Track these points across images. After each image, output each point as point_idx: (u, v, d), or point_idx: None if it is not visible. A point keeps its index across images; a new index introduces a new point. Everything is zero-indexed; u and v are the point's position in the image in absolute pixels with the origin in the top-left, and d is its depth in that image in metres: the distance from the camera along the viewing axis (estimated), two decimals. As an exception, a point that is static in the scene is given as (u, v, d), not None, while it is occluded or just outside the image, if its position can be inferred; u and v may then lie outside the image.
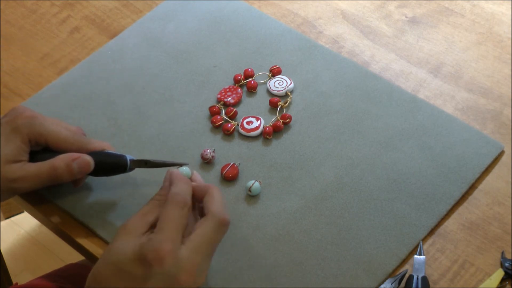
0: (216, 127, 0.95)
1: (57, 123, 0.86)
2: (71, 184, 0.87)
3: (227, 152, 0.92)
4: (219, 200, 0.77)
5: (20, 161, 0.83)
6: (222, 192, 0.79)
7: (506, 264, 0.82)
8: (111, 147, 0.86)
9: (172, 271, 0.71)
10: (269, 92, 0.99)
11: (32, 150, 0.85)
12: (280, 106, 0.96)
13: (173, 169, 0.81)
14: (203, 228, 0.74)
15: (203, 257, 0.73)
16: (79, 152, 0.84)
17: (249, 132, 0.94)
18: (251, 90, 0.99)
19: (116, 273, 0.72)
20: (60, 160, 0.82)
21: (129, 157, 0.85)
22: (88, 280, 0.74)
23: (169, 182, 0.79)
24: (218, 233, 0.75)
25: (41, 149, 0.85)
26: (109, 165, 0.85)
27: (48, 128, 0.84)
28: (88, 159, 0.83)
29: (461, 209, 0.88)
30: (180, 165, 0.84)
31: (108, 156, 0.85)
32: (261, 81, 1.00)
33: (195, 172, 0.85)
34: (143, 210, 0.76)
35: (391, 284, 0.81)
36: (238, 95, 0.97)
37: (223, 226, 0.75)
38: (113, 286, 0.72)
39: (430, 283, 0.82)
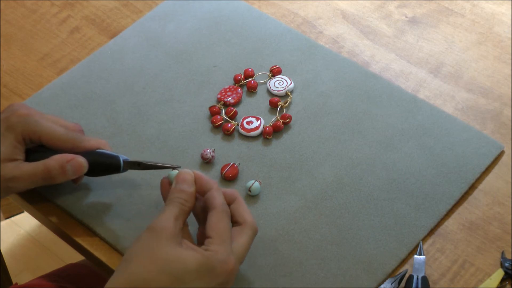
0: (216, 127, 0.95)
1: (53, 120, 0.86)
2: (70, 184, 0.87)
3: (227, 152, 0.92)
4: (247, 208, 0.80)
5: (15, 160, 0.83)
6: None
7: (506, 264, 0.82)
8: (107, 144, 0.86)
9: (232, 279, 0.75)
10: (269, 92, 0.99)
11: (28, 148, 0.85)
12: (280, 106, 0.96)
13: (192, 171, 0.80)
14: (244, 238, 0.77)
15: (240, 265, 0.77)
16: (73, 150, 0.84)
17: (249, 132, 0.94)
18: (251, 90, 0.99)
19: (175, 283, 0.72)
20: (54, 161, 0.82)
21: (122, 157, 0.85)
22: (129, 284, 0.72)
23: (198, 186, 0.79)
24: (252, 241, 0.78)
25: (37, 146, 0.85)
26: (103, 165, 0.85)
27: (42, 126, 0.84)
28: (82, 161, 0.83)
29: (461, 209, 0.88)
30: (173, 167, 0.83)
31: (102, 156, 0.85)
32: (261, 81, 1.00)
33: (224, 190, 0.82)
34: (173, 212, 0.76)
35: (391, 284, 0.81)
36: (238, 95, 0.97)
37: (255, 235, 0.79)
38: None
39: (430, 283, 0.81)
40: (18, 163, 0.83)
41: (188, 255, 0.73)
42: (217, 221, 0.76)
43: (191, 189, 0.78)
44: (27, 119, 0.84)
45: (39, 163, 0.82)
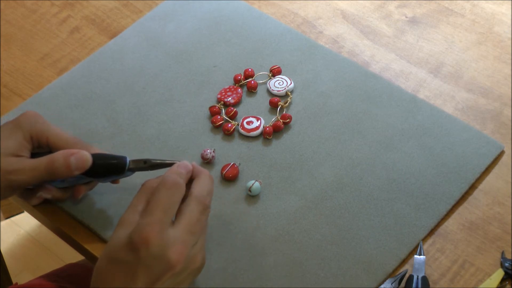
0: (216, 127, 0.95)
1: (60, 130, 0.86)
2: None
3: (227, 152, 0.92)
4: (205, 185, 0.77)
5: (20, 156, 0.83)
6: (213, 182, 0.79)
7: (506, 264, 0.82)
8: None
9: (161, 252, 0.71)
10: (269, 92, 0.99)
11: (37, 152, 0.85)
12: (280, 106, 0.96)
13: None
14: (187, 208, 0.74)
15: (193, 236, 0.74)
16: None
17: (249, 132, 0.94)
18: (251, 90, 0.99)
19: (111, 265, 0.73)
20: (58, 154, 0.82)
21: (128, 159, 0.85)
22: (92, 279, 0.75)
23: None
24: (202, 214, 0.75)
25: (46, 152, 0.85)
26: (108, 165, 0.84)
27: (50, 127, 0.85)
28: (86, 154, 0.82)
29: (461, 209, 0.88)
30: None
31: (107, 156, 0.84)
32: (261, 81, 1.00)
33: (194, 163, 0.81)
34: (133, 201, 0.77)
35: (391, 284, 0.81)
36: (238, 95, 0.97)
37: (204, 209, 0.76)
38: (110, 278, 0.72)
39: (430, 283, 0.82)
40: (22, 158, 0.83)
41: (122, 233, 0.73)
42: (152, 194, 0.75)
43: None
44: (36, 119, 0.85)
45: (42, 157, 0.82)
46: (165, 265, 0.71)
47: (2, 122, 0.93)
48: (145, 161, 0.84)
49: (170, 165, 0.82)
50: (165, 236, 0.71)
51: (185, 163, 0.79)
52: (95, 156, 0.83)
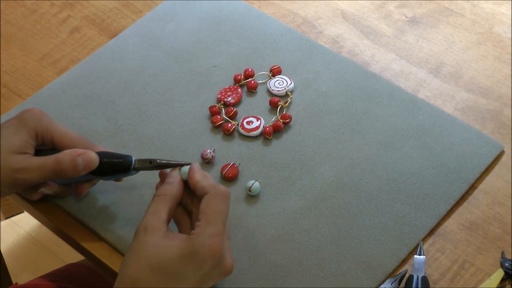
0: (216, 127, 0.95)
1: (64, 127, 0.86)
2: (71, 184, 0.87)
3: (227, 152, 0.92)
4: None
5: (25, 153, 0.82)
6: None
7: (506, 264, 0.82)
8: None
9: (221, 261, 0.74)
10: (269, 92, 0.99)
11: (41, 149, 0.85)
12: (280, 106, 0.96)
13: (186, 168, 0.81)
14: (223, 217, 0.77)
15: (230, 240, 0.77)
16: None
17: (249, 132, 0.94)
18: (251, 90, 0.99)
19: (163, 277, 0.72)
20: (65, 154, 0.82)
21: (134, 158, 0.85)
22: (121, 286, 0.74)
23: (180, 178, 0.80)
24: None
25: (50, 149, 0.85)
26: (114, 164, 0.83)
27: (55, 124, 0.84)
28: (93, 155, 0.82)
29: (461, 209, 0.88)
30: (182, 165, 0.82)
31: (113, 154, 0.84)
32: (261, 81, 1.00)
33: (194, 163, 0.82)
34: (152, 208, 0.77)
35: (391, 284, 0.81)
36: (238, 95, 0.97)
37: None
38: (160, 286, 0.72)
39: (430, 283, 0.82)
40: (27, 156, 0.82)
41: (170, 244, 0.73)
42: (207, 203, 0.75)
43: (170, 179, 0.80)
44: (41, 117, 0.84)
45: (49, 156, 0.82)
46: (221, 272, 0.74)
47: (2, 122, 0.94)
48: (150, 161, 0.84)
49: (175, 165, 0.82)
50: (224, 245, 0.74)
51: (198, 165, 0.80)
52: (101, 155, 0.83)
